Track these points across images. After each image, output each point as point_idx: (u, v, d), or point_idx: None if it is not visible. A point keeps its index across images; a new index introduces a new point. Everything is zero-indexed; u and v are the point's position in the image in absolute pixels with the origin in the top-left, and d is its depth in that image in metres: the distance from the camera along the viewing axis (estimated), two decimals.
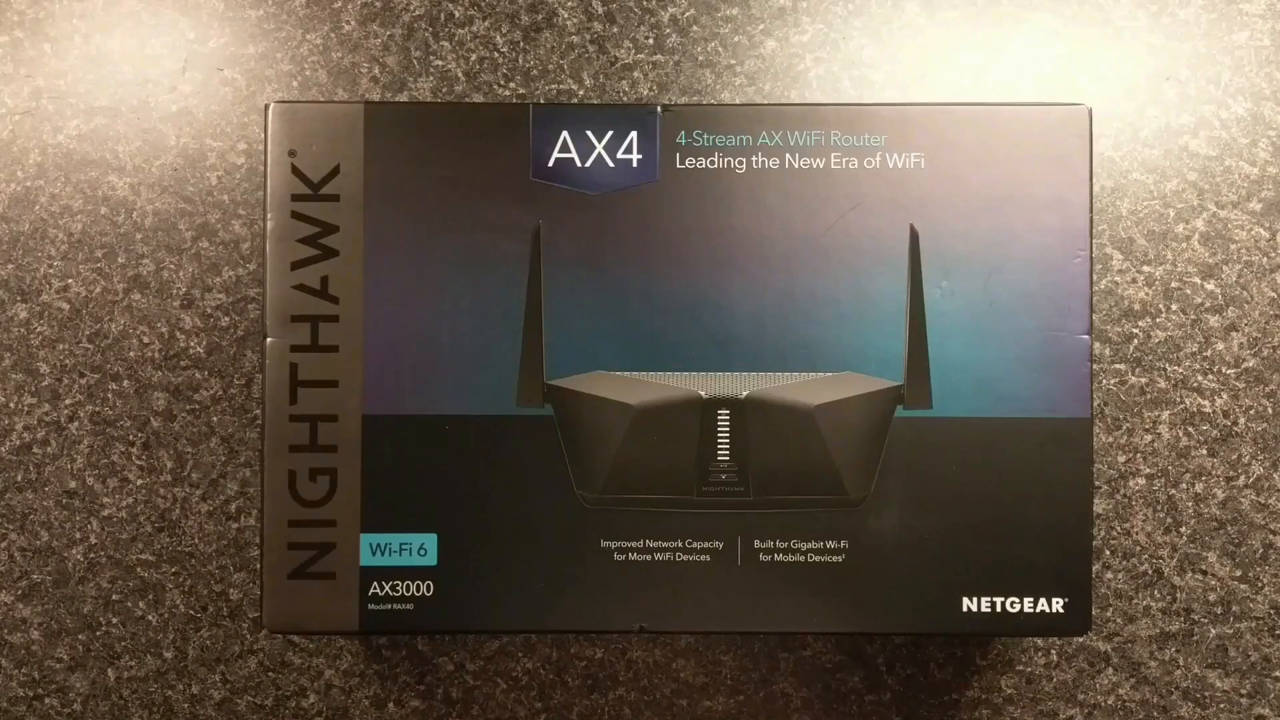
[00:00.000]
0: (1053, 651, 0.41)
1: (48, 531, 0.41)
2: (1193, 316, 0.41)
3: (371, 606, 0.33)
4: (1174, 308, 0.41)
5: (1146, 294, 0.41)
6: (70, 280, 0.41)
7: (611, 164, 0.34)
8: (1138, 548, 0.41)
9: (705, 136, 0.34)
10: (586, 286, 0.33)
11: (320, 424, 0.33)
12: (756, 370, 0.34)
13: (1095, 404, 0.40)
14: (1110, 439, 0.40)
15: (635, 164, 0.34)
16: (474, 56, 0.41)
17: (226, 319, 0.41)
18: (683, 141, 0.34)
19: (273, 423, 0.33)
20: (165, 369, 0.41)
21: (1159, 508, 0.40)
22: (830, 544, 0.33)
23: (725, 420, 0.33)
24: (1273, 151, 0.41)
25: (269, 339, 0.33)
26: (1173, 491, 0.40)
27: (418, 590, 0.33)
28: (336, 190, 0.33)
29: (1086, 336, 0.33)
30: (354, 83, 0.41)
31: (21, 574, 0.41)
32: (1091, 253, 0.33)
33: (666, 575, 0.33)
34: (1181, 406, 0.41)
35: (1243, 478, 0.40)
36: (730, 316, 0.33)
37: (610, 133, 0.34)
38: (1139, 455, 0.41)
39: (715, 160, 0.34)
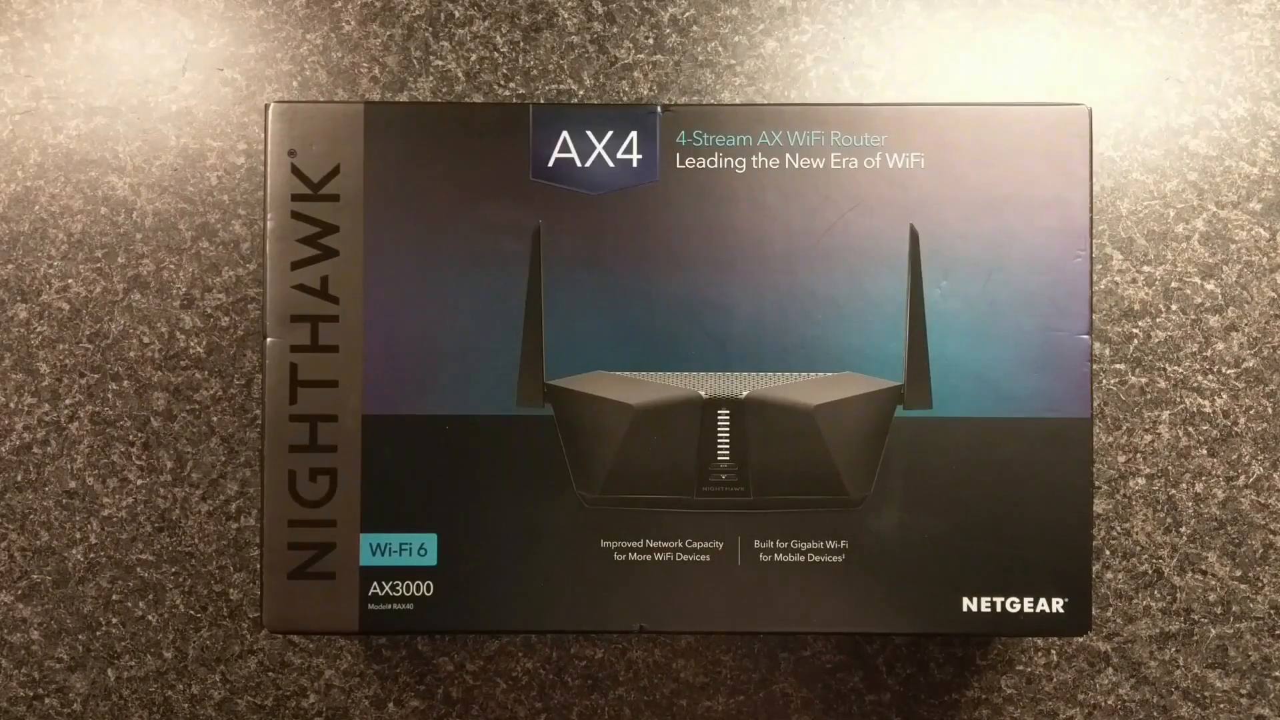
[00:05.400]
0: (1053, 651, 0.41)
1: (48, 531, 0.41)
2: (1193, 316, 0.41)
3: (371, 606, 0.33)
4: (1174, 308, 0.41)
5: (1146, 294, 0.41)
6: (70, 280, 0.41)
7: (611, 164, 0.34)
8: (1138, 548, 0.41)
9: (705, 136, 0.34)
10: (586, 286, 0.33)
11: (320, 424, 0.33)
12: (756, 370, 0.34)
13: (1095, 404, 0.40)
14: (1110, 439, 0.40)
15: (635, 164, 0.34)
16: (474, 56, 0.41)
17: (226, 319, 0.41)
18: (683, 141, 0.34)
19: (273, 423, 0.33)
20: (165, 369, 0.41)
21: (1159, 508, 0.40)
22: (830, 544, 0.33)
23: (725, 420, 0.33)
24: (1273, 151, 0.41)
25: (269, 339, 0.33)
26: (1173, 491, 0.40)
27: (418, 590, 0.33)
28: (336, 190, 0.33)
29: (1086, 336, 0.33)
30: (354, 83, 0.41)
31: (21, 574, 0.41)
32: (1091, 253, 0.33)
33: (666, 575, 0.33)
34: (1181, 406, 0.41)
35: (1243, 478, 0.40)
36: (730, 316, 0.33)
37: (610, 133, 0.34)
38: (1139, 455, 0.41)
39: (715, 160, 0.34)
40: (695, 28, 0.41)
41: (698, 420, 0.33)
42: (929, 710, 0.41)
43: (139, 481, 0.41)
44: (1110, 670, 0.41)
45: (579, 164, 0.34)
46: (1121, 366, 0.41)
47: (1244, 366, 0.40)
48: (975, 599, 0.33)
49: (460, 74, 0.41)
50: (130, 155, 0.41)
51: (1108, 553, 0.41)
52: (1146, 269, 0.41)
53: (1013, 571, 0.33)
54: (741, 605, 0.33)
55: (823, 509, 0.33)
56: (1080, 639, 0.41)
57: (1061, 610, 0.33)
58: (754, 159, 0.34)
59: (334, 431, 0.33)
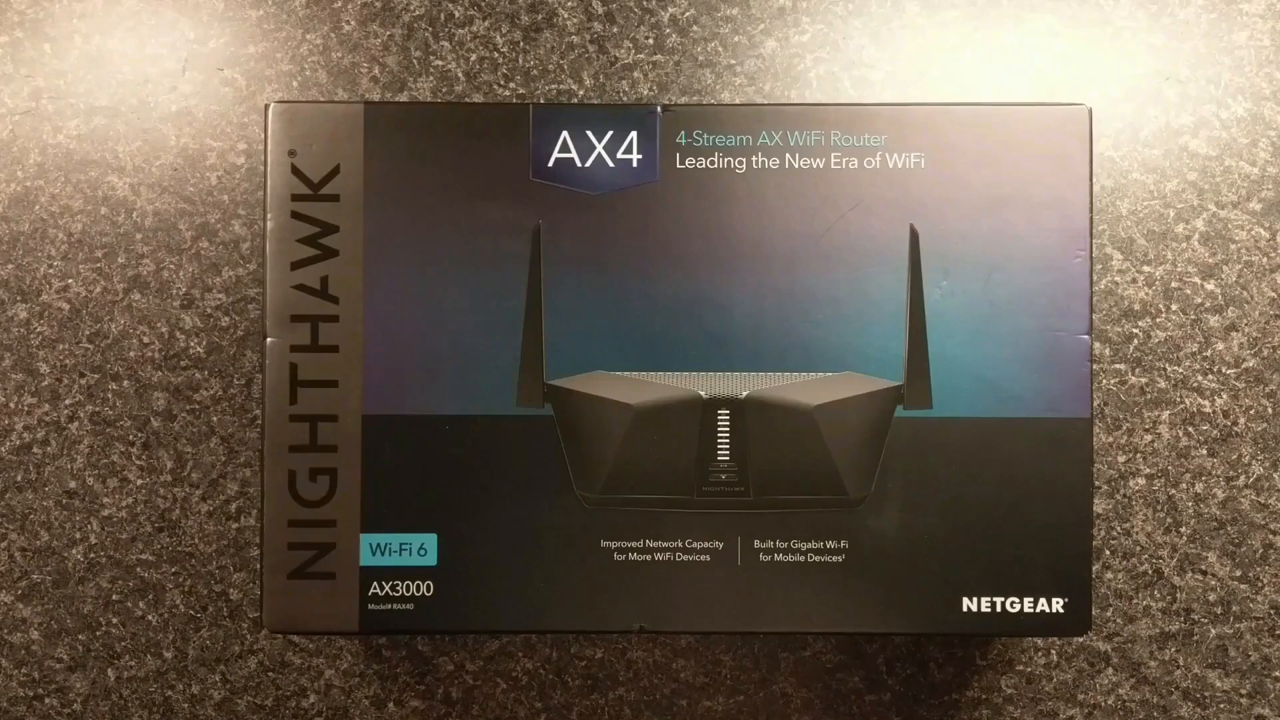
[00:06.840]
0: (1053, 651, 0.41)
1: (48, 531, 0.41)
2: (1193, 316, 0.41)
3: (371, 606, 0.33)
4: (1174, 308, 0.41)
5: (1146, 294, 0.41)
6: (70, 280, 0.41)
7: (611, 164, 0.34)
8: (1138, 548, 0.41)
9: (705, 136, 0.34)
10: (586, 286, 0.33)
11: (320, 424, 0.33)
12: (756, 370, 0.34)
13: (1095, 404, 0.40)
14: (1110, 439, 0.40)
15: (635, 164, 0.34)
16: (474, 56, 0.41)
17: (226, 319, 0.41)
18: (683, 141, 0.34)
19: (273, 423, 0.33)
20: (165, 369, 0.41)
21: (1159, 508, 0.40)
22: (830, 544, 0.33)
23: (725, 420, 0.33)
24: (1273, 151, 0.41)
25: (269, 339, 0.33)
26: (1173, 491, 0.40)
27: (418, 590, 0.33)
28: (336, 190, 0.33)
29: (1086, 336, 0.33)
30: (354, 83, 0.41)
31: (21, 574, 0.41)
32: (1091, 253, 0.33)
33: (666, 575, 0.33)
34: (1181, 406, 0.41)
35: (1243, 478, 0.40)
36: (730, 316, 0.33)
37: (610, 133, 0.34)
38: (1139, 455, 0.41)
39: (715, 160, 0.34)
40: (695, 28, 0.41)
41: (698, 420, 0.33)
42: (929, 710, 0.41)
43: (139, 481, 0.41)
44: (1110, 670, 0.41)
45: (579, 164, 0.34)
46: (1121, 366, 0.41)
47: (1244, 366, 0.40)
48: (975, 599, 0.33)
49: (460, 74, 0.41)
50: (130, 155, 0.41)
51: (1108, 553, 0.41)
52: (1146, 269, 0.41)
53: (1013, 571, 0.33)
54: (741, 605, 0.33)
55: (823, 509, 0.33)
56: (1080, 639, 0.41)
57: (1061, 610, 0.33)
58: (754, 159, 0.34)
59: (334, 431, 0.33)
